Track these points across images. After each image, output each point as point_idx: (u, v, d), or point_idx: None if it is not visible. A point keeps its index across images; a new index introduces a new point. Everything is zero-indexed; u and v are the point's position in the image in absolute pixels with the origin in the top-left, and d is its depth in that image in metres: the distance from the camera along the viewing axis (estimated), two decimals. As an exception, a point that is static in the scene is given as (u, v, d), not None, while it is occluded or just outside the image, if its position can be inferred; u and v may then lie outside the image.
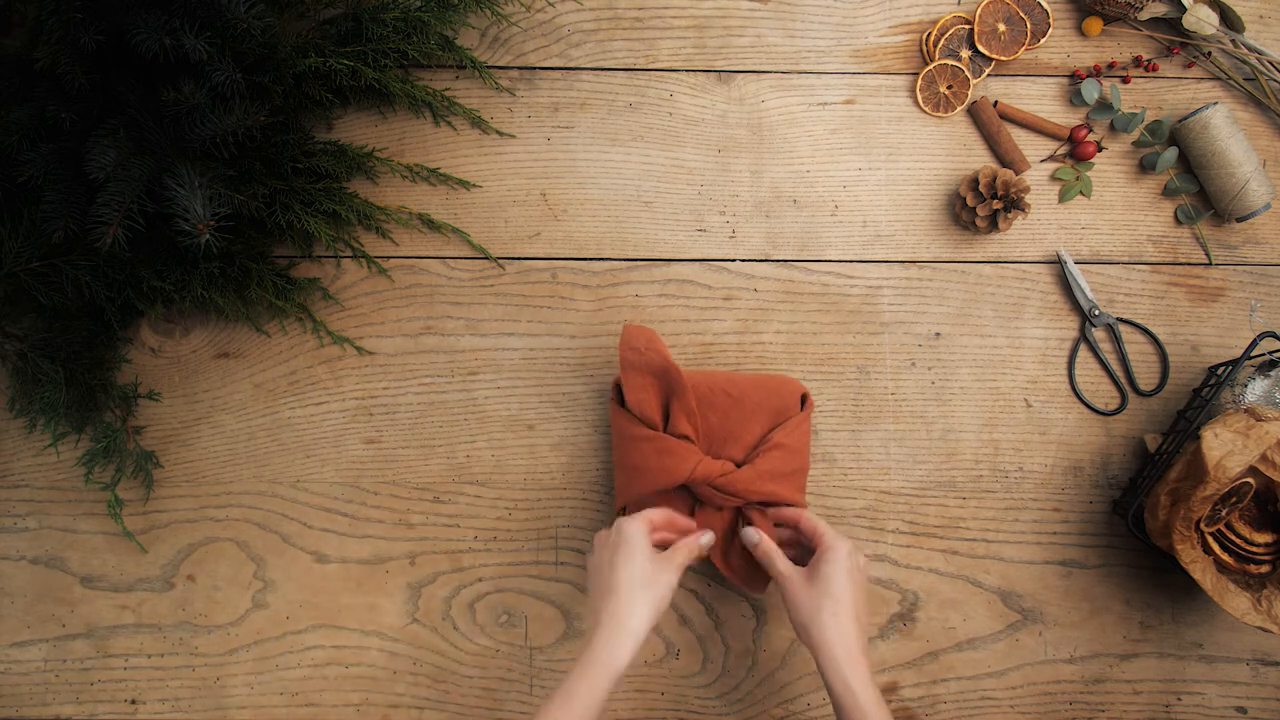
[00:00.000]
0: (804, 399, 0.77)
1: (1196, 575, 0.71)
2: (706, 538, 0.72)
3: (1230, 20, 0.82)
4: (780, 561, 0.70)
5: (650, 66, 0.84)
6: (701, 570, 0.82)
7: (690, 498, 0.76)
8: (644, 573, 0.66)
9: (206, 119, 0.68)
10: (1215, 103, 0.81)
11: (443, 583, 0.82)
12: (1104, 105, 0.83)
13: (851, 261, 0.84)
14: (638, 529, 0.68)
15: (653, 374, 0.73)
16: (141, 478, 0.82)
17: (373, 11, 0.78)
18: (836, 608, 0.65)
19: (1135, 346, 0.83)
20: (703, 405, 0.75)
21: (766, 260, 0.84)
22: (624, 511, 0.77)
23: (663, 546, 0.72)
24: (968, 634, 0.82)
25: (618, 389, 0.77)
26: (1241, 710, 0.82)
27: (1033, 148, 0.84)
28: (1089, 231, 0.84)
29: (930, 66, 0.83)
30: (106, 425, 0.81)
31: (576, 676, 0.62)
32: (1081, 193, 0.84)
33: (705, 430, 0.75)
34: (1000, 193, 0.79)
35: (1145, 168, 0.84)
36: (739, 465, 0.74)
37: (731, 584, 0.81)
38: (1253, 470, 0.72)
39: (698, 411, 0.75)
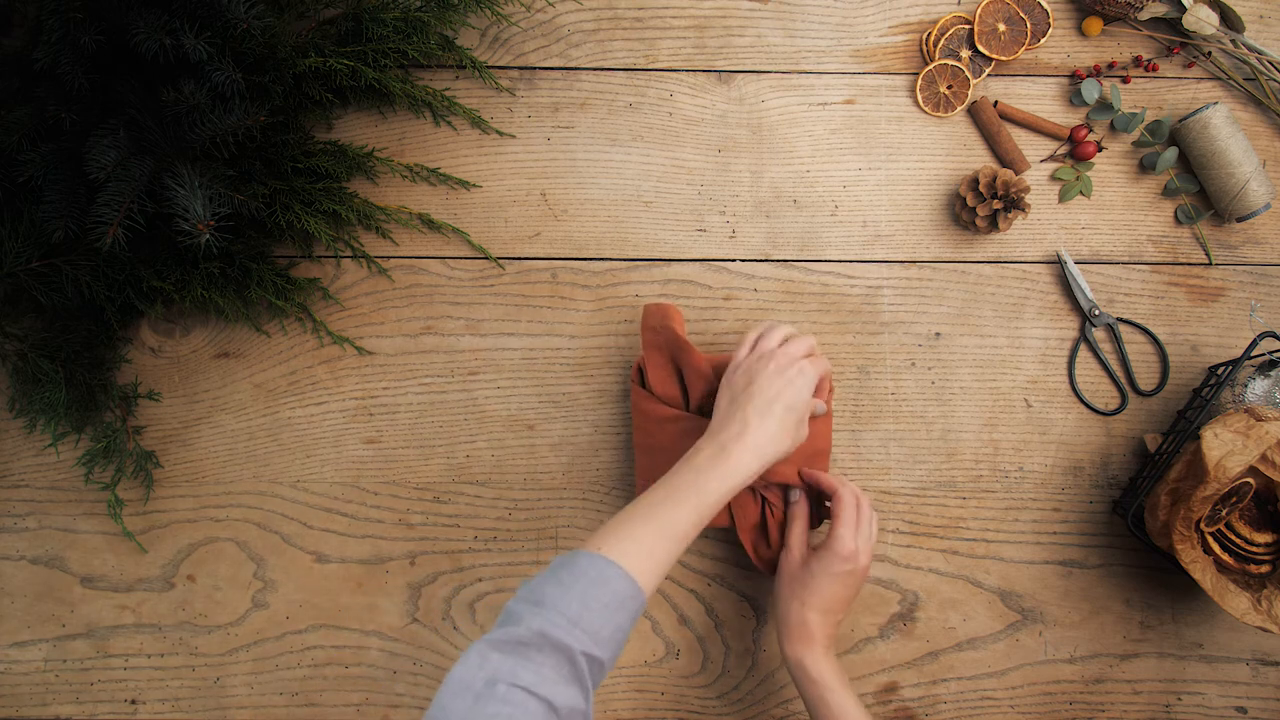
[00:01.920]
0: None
1: (1196, 575, 0.71)
2: (820, 406, 0.72)
3: (1230, 20, 0.82)
4: (797, 534, 0.73)
5: (650, 66, 0.84)
6: (702, 570, 0.82)
7: None
8: (803, 412, 0.67)
9: (206, 119, 0.68)
10: (1215, 103, 0.81)
11: (443, 583, 0.82)
12: (1104, 105, 0.83)
13: (851, 261, 0.84)
14: (815, 378, 0.68)
15: (665, 350, 0.74)
16: (141, 478, 0.82)
17: (373, 11, 0.78)
18: (807, 597, 0.69)
19: (1135, 346, 0.83)
20: None
21: (766, 260, 0.84)
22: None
23: None
24: (968, 634, 0.82)
25: (640, 371, 0.77)
26: (1241, 710, 0.82)
27: (1033, 148, 0.84)
28: (1089, 231, 0.84)
29: (930, 66, 0.83)
30: (106, 425, 0.81)
31: (710, 476, 0.63)
32: (1081, 193, 0.84)
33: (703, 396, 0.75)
34: (1000, 193, 0.79)
35: (1145, 168, 0.84)
36: None
37: (733, 585, 0.82)
38: (1253, 470, 0.72)
39: (715, 379, 0.75)
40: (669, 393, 0.75)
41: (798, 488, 0.74)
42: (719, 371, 0.75)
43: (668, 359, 0.75)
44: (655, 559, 0.59)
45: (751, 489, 0.75)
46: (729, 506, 0.76)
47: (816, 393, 0.72)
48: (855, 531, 0.70)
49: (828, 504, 0.76)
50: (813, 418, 0.73)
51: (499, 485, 0.83)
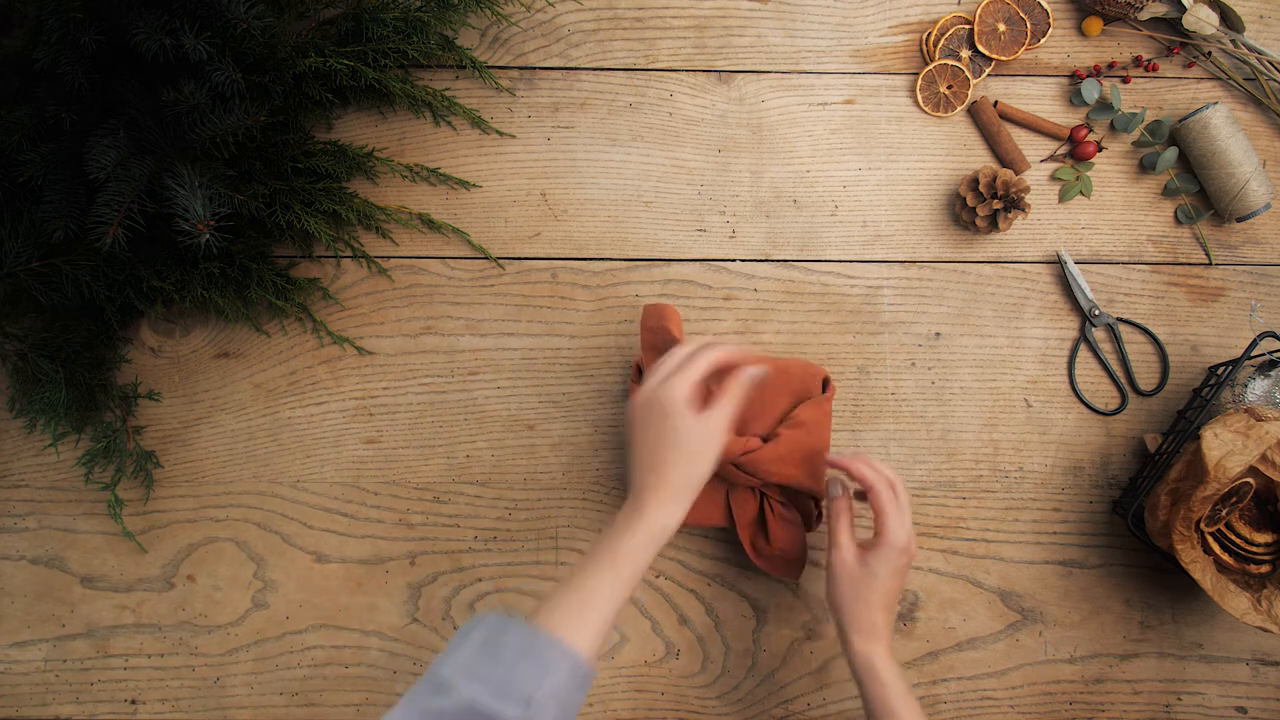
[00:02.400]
0: (825, 383, 0.77)
1: (1196, 575, 0.71)
2: (753, 371, 0.66)
3: (1230, 20, 0.82)
4: (844, 531, 0.70)
5: (650, 66, 0.84)
6: (702, 570, 0.82)
7: (719, 480, 0.76)
8: (690, 442, 0.63)
9: (206, 119, 0.68)
10: (1215, 103, 0.81)
11: (443, 583, 0.82)
12: (1104, 105, 0.83)
13: (851, 261, 0.84)
14: (682, 396, 0.63)
15: (661, 350, 0.73)
16: (141, 478, 0.82)
17: (373, 11, 0.78)
18: (873, 597, 0.68)
19: (1135, 346, 0.83)
20: None
21: (766, 260, 0.84)
22: None
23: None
24: (968, 634, 0.82)
25: (639, 370, 0.77)
26: (1241, 710, 0.82)
27: (1033, 148, 0.84)
28: (1089, 231, 0.84)
29: (930, 66, 0.83)
30: (106, 425, 0.81)
31: (628, 537, 0.61)
32: (1081, 193, 0.84)
33: None
34: (1000, 193, 0.79)
35: (1145, 168, 0.84)
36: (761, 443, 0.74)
37: (733, 585, 0.82)
38: (1253, 470, 0.72)
39: None
40: None
41: (837, 481, 0.72)
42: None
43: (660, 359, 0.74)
44: (587, 634, 0.58)
45: (741, 484, 0.75)
46: (728, 504, 0.76)
47: (827, 392, 0.72)
48: (902, 522, 0.68)
49: (822, 503, 0.76)
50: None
51: (499, 485, 0.83)
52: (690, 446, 0.63)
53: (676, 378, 0.64)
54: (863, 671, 0.68)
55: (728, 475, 0.75)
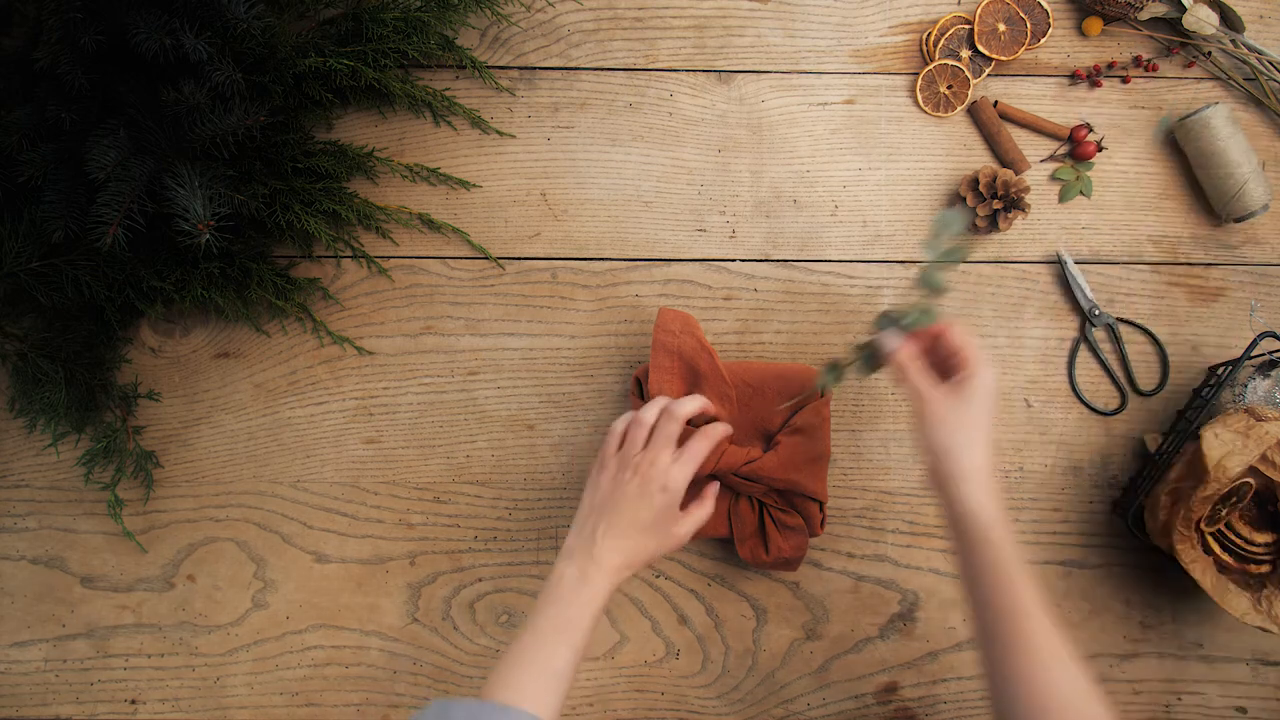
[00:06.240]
0: (824, 389, 0.77)
1: (1196, 575, 0.71)
2: (709, 500, 0.69)
3: (1230, 20, 0.82)
4: (920, 377, 0.63)
5: (650, 66, 0.84)
6: (702, 570, 0.82)
7: (724, 490, 0.76)
8: (671, 534, 0.64)
9: (206, 119, 0.68)
10: (1215, 103, 0.81)
11: (443, 583, 0.82)
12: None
13: (851, 261, 0.84)
14: (684, 484, 0.63)
15: (682, 358, 0.74)
16: (141, 478, 0.82)
17: (373, 11, 0.78)
18: (975, 434, 0.60)
19: (1135, 346, 0.83)
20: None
21: (766, 260, 0.84)
22: None
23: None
24: (968, 634, 0.82)
25: (638, 383, 0.77)
26: (1241, 710, 0.82)
27: (1033, 148, 0.84)
28: (1089, 231, 0.84)
29: (930, 66, 0.83)
30: (106, 425, 0.81)
31: (574, 607, 0.60)
32: (1081, 193, 0.84)
33: (727, 419, 0.75)
34: (1000, 193, 0.79)
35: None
36: (763, 451, 0.75)
37: (733, 585, 0.82)
38: (1253, 470, 0.72)
39: (726, 397, 0.75)
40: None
41: (893, 334, 0.65)
42: (745, 388, 0.75)
43: (676, 365, 0.74)
44: (546, 703, 0.57)
45: (749, 496, 0.75)
46: (729, 516, 0.76)
47: (823, 405, 0.73)
48: (985, 355, 0.63)
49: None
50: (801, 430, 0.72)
51: (499, 485, 0.83)
52: (672, 540, 0.64)
53: (684, 461, 0.63)
54: (971, 530, 0.58)
55: (732, 485, 0.75)
